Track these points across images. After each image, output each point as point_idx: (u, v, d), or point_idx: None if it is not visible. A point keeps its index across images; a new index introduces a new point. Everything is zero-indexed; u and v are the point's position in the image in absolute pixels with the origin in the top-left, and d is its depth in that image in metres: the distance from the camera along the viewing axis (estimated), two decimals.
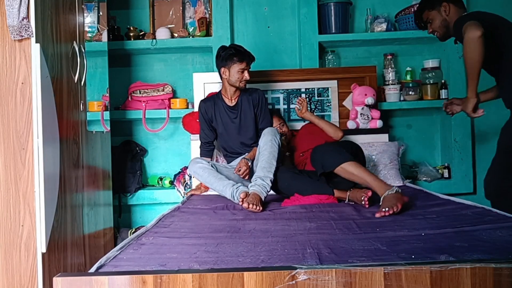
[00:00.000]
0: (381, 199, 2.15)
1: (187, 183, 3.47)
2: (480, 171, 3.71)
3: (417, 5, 2.73)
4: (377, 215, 2.02)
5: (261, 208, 2.32)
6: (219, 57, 2.89)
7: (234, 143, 3.01)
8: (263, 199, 2.43)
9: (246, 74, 2.85)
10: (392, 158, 3.15)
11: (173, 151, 3.80)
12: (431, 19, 2.63)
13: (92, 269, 1.30)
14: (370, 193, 2.26)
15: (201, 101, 3.06)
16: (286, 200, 2.51)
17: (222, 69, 2.89)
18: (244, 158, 2.85)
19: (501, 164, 2.45)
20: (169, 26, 3.68)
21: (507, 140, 2.43)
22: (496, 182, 2.45)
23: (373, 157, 3.14)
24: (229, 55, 2.84)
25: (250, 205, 2.30)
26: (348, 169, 2.35)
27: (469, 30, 2.27)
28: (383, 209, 2.03)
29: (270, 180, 2.53)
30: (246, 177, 2.77)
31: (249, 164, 2.81)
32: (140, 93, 3.53)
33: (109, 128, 3.14)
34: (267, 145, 2.66)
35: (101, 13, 3.19)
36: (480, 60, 2.29)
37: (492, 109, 3.38)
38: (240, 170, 2.76)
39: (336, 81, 3.48)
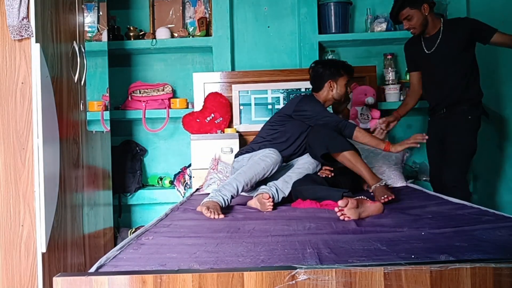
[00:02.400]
0: (372, 189, 2.45)
1: (187, 183, 3.47)
2: (479, 171, 3.72)
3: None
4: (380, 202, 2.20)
5: (271, 208, 2.28)
6: (324, 70, 2.77)
7: (291, 151, 2.78)
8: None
9: (349, 89, 2.85)
10: (396, 161, 3.15)
11: (173, 151, 3.80)
12: (410, 16, 2.87)
13: (92, 269, 1.29)
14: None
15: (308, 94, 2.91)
16: (299, 201, 2.47)
17: (330, 82, 2.77)
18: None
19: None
20: (169, 26, 3.68)
21: None
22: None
23: (377, 159, 3.14)
24: (338, 67, 2.79)
25: (266, 201, 2.28)
26: (348, 157, 2.53)
27: None
28: (382, 197, 2.32)
29: (283, 197, 2.48)
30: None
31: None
32: (140, 93, 3.53)
33: (109, 128, 3.14)
34: (305, 167, 2.64)
35: (101, 13, 3.19)
36: None
37: (491, 111, 3.38)
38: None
39: None
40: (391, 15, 2.98)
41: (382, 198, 2.31)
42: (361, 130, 2.63)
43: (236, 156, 2.79)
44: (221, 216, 2.11)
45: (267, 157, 2.51)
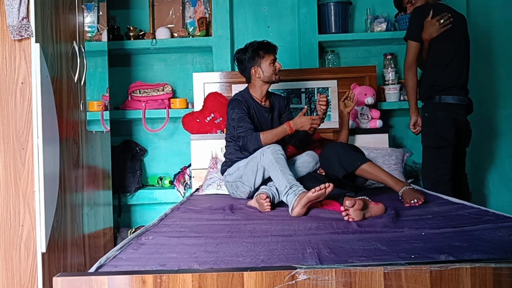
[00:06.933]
0: (400, 194, 2.34)
1: (186, 183, 3.47)
2: (478, 171, 3.72)
3: None
4: (407, 205, 2.23)
5: (269, 208, 2.29)
6: (243, 60, 2.75)
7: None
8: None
9: (278, 64, 2.75)
10: (397, 161, 3.15)
11: (173, 151, 3.80)
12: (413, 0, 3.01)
13: (92, 269, 1.29)
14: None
15: (236, 95, 2.82)
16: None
17: (253, 69, 2.73)
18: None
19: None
20: (169, 26, 3.68)
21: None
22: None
23: (377, 159, 3.14)
24: (254, 51, 2.73)
25: (263, 202, 2.28)
26: (367, 169, 2.46)
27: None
28: (412, 201, 2.24)
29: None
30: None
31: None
32: (140, 93, 3.53)
33: (109, 128, 3.14)
34: (304, 165, 2.66)
35: (101, 13, 3.20)
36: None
37: (490, 111, 3.38)
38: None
39: (336, 81, 3.48)
40: (394, 2, 3.15)
41: (412, 202, 2.25)
42: (264, 133, 2.60)
43: (222, 173, 2.78)
44: (267, 208, 2.25)
45: (276, 152, 2.46)
